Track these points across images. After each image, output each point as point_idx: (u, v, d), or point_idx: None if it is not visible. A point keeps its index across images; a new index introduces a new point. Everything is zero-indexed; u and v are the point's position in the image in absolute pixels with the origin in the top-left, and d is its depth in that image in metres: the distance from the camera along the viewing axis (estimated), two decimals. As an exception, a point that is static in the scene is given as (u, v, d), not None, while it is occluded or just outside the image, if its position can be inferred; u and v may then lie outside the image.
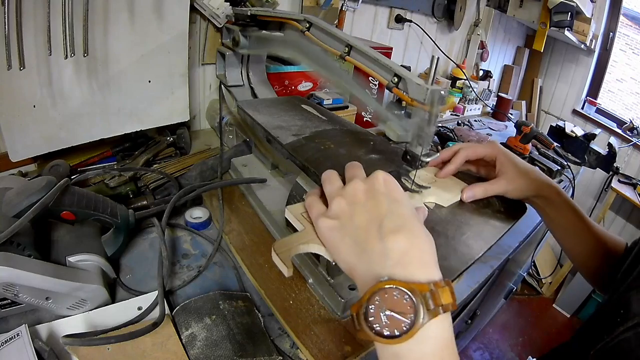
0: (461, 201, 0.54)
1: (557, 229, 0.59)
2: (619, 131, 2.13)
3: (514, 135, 1.42)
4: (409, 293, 0.26)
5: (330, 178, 0.37)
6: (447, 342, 0.27)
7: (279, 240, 0.35)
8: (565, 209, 0.56)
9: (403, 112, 0.51)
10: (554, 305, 2.32)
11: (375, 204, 0.32)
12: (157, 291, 0.55)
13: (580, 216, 0.56)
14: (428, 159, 0.55)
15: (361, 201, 0.33)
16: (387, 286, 0.27)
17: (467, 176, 0.59)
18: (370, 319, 0.27)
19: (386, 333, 0.26)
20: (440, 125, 1.46)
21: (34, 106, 0.73)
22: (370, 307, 0.27)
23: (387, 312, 0.26)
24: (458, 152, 0.57)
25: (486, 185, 0.54)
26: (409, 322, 0.26)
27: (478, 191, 0.54)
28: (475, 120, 1.73)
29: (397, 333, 0.26)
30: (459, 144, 0.60)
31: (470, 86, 1.75)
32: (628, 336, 0.37)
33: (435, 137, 1.35)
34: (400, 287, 0.27)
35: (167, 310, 0.53)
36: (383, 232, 0.30)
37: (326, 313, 0.57)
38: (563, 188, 1.30)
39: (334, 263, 0.34)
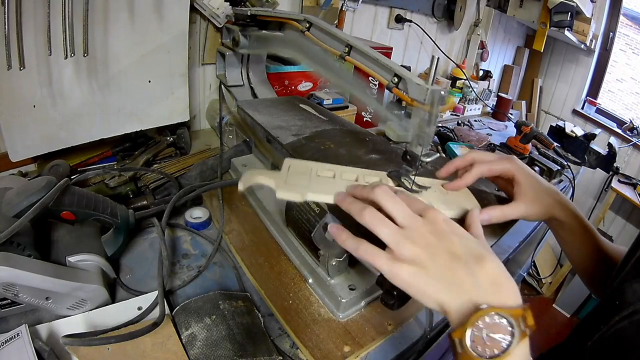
0: None
1: (568, 246, 0.58)
2: (619, 131, 2.13)
3: (514, 135, 1.42)
4: (508, 318, 0.30)
5: (381, 220, 0.35)
6: (529, 358, 0.31)
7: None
8: (580, 231, 0.54)
9: (403, 112, 0.51)
10: (554, 305, 2.32)
11: (449, 242, 0.34)
12: (157, 291, 0.55)
13: (593, 236, 0.55)
14: (428, 159, 0.54)
15: (434, 243, 0.34)
16: (488, 313, 0.30)
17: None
18: (472, 342, 0.30)
19: (488, 354, 0.30)
20: (440, 125, 1.46)
21: (34, 106, 0.73)
22: (473, 331, 0.30)
23: (489, 335, 0.30)
24: (473, 166, 0.52)
25: (505, 209, 0.51)
26: (507, 343, 0.29)
27: (494, 215, 0.51)
28: (475, 120, 1.73)
29: (496, 353, 0.29)
30: (475, 152, 0.55)
31: (470, 86, 1.75)
32: (623, 325, 0.38)
33: (435, 137, 1.35)
34: (501, 313, 0.30)
35: (167, 310, 0.53)
36: (469, 265, 0.33)
37: (326, 313, 0.57)
38: (563, 188, 1.30)
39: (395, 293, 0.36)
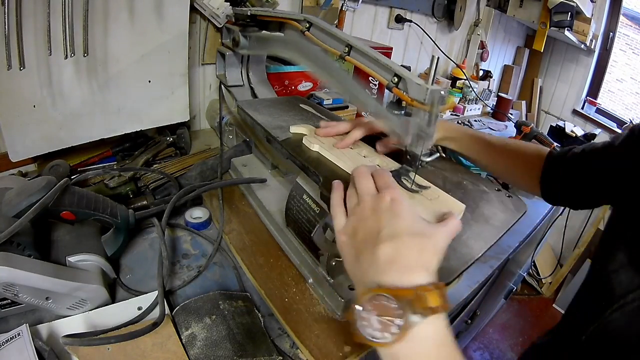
0: (460, 200, 0.53)
1: (477, 158, 0.66)
2: (619, 131, 2.13)
3: (514, 135, 1.42)
4: (394, 299, 0.28)
5: (348, 194, 0.40)
6: (441, 341, 0.29)
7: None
8: (467, 139, 0.66)
9: (403, 112, 0.51)
10: (554, 305, 2.32)
11: (377, 220, 0.34)
12: (157, 291, 0.55)
13: (487, 140, 0.66)
14: (428, 159, 0.54)
15: (365, 218, 0.36)
16: (374, 293, 0.29)
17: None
18: (364, 323, 0.29)
19: (378, 336, 0.28)
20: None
21: (34, 106, 0.73)
22: (362, 313, 0.29)
23: (378, 318, 0.28)
24: (356, 127, 0.60)
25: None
26: (397, 325, 0.28)
27: (388, 144, 0.59)
28: (475, 120, 1.73)
29: (387, 337, 0.28)
30: (359, 119, 0.63)
31: (470, 86, 1.75)
32: (615, 316, 0.39)
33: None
34: (385, 294, 0.29)
35: (167, 310, 0.53)
36: (375, 242, 0.32)
37: (326, 313, 0.57)
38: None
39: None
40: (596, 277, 0.46)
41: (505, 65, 2.32)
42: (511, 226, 0.52)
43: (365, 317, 0.29)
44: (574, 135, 1.44)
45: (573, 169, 0.57)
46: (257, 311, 0.58)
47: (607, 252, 0.44)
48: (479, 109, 1.84)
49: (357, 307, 0.29)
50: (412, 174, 0.52)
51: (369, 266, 0.32)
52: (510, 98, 1.90)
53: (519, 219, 0.54)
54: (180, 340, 0.50)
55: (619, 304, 0.39)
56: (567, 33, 1.73)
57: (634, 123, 2.07)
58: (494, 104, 1.90)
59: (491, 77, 1.95)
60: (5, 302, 0.49)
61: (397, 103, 1.28)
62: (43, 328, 0.49)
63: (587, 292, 0.49)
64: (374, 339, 0.29)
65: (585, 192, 0.57)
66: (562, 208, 1.33)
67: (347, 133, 0.60)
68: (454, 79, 1.84)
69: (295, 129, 0.63)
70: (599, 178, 0.53)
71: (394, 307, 0.28)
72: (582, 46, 2.00)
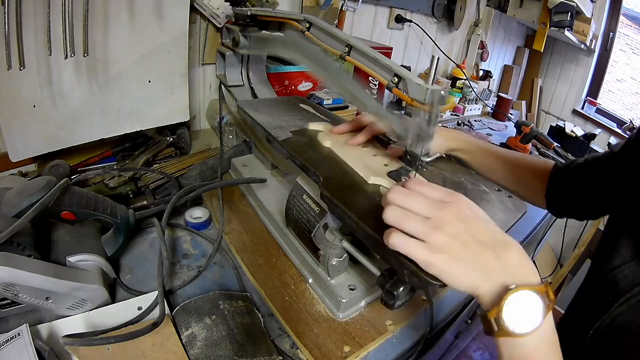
0: None
1: (483, 168, 0.68)
2: (619, 131, 2.13)
3: (514, 135, 1.42)
4: (536, 294, 0.33)
5: (404, 217, 0.36)
6: (554, 326, 0.35)
7: None
8: (479, 152, 0.67)
9: (403, 112, 0.51)
10: (554, 305, 2.32)
11: (476, 228, 0.36)
12: (157, 291, 0.55)
13: (495, 153, 0.68)
14: (428, 159, 0.54)
15: (462, 230, 0.35)
16: (518, 291, 0.33)
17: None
18: (507, 319, 0.33)
19: (521, 328, 0.32)
20: (440, 125, 1.46)
21: (34, 106, 0.73)
22: (508, 310, 0.33)
23: (522, 312, 0.33)
24: (365, 127, 0.63)
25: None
26: (541, 313, 0.33)
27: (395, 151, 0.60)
28: (475, 120, 1.73)
29: (534, 324, 0.32)
30: (362, 115, 0.65)
31: (470, 86, 1.75)
32: (622, 310, 0.40)
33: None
34: (530, 290, 0.33)
35: (167, 310, 0.53)
36: (497, 252, 0.35)
37: (326, 313, 0.57)
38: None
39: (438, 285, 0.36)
40: (598, 275, 0.46)
41: (505, 65, 2.32)
42: (511, 226, 0.52)
43: (509, 315, 0.32)
44: (574, 135, 1.44)
45: (576, 181, 0.59)
46: (257, 311, 0.58)
47: (610, 250, 0.44)
48: (479, 109, 1.84)
49: (500, 307, 0.33)
50: (412, 174, 0.52)
51: (503, 273, 0.34)
52: (510, 98, 1.90)
53: (519, 219, 0.54)
54: (180, 340, 0.50)
55: (625, 297, 0.40)
56: (567, 33, 1.73)
57: (633, 123, 2.08)
58: (494, 104, 1.90)
59: (491, 77, 1.95)
60: (5, 302, 0.49)
61: (397, 103, 1.28)
62: (43, 328, 0.49)
63: (590, 290, 0.49)
64: (523, 330, 0.32)
65: (589, 202, 0.59)
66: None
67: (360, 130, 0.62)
68: (454, 79, 1.84)
69: (313, 126, 0.67)
70: (601, 187, 0.54)
71: (534, 300, 0.33)
72: (582, 46, 2.00)
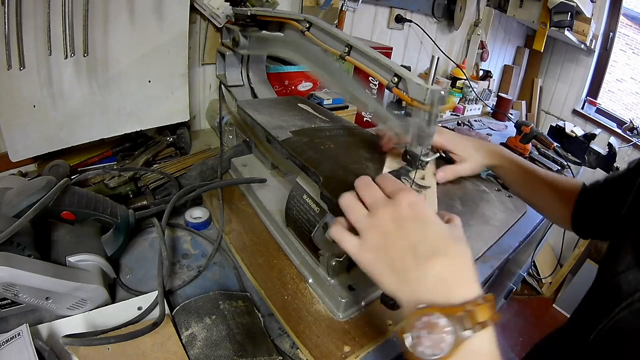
0: (460, 200, 0.54)
1: (519, 187, 0.67)
2: (619, 131, 2.13)
3: (514, 135, 1.42)
4: (446, 319, 0.29)
5: (351, 206, 0.37)
6: (489, 354, 0.30)
7: None
8: (517, 170, 0.66)
9: (403, 112, 0.51)
10: (554, 305, 2.32)
11: (406, 231, 0.33)
12: (157, 291, 0.55)
13: (531, 171, 0.66)
14: (428, 159, 0.54)
15: (392, 230, 0.34)
16: (426, 312, 0.29)
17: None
18: (414, 341, 0.29)
19: (430, 354, 0.29)
20: (440, 125, 1.46)
21: (34, 106, 0.73)
22: (414, 331, 0.29)
23: (429, 335, 0.29)
24: None
25: (455, 167, 0.64)
26: (448, 342, 0.28)
27: (448, 172, 0.62)
28: (475, 120, 1.72)
29: (438, 353, 0.28)
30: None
31: (470, 86, 1.75)
32: (624, 315, 0.39)
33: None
34: (436, 313, 0.29)
35: (167, 310, 0.53)
36: (418, 260, 0.32)
37: (326, 313, 0.57)
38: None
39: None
40: (603, 280, 0.46)
41: (505, 65, 2.32)
42: (511, 226, 0.52)
43: (417, 336, 0.29)
44: (574, 135, 1.44)
45: (596, 202, 0.59)
46: (257, 311, 0.58)
47: (615, 256, 0.44)
48: (479, 109, 1.84)
49: (408, 326, 0.30)
50: (412, 174, 0.52)
51: (417, 284, 0.32)
52: (510, 98, 1.89)
53: (519, 219, 0.54)
54: (180, 340, 0.50)
55: (627, 302, 0.40)
56: (567, 33, 1.73)
57: (633, 123, 2.08)
58: (494, 104, 1.90)
59: (491, 77, 1.95)
60: (5, 302, 0.49)
61: (397, 103, 1.28)
62: (43, 328, 0.49)
63: (594, 295, 0.49)
64: (426, 357, 0.29)
65: (610, 222, 0.57)
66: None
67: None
68: (454, 79, 1.84)
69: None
70: (619, 206, 0.53)
71: (445, 325, 0.29)
72: (582, 46, 2.00)
